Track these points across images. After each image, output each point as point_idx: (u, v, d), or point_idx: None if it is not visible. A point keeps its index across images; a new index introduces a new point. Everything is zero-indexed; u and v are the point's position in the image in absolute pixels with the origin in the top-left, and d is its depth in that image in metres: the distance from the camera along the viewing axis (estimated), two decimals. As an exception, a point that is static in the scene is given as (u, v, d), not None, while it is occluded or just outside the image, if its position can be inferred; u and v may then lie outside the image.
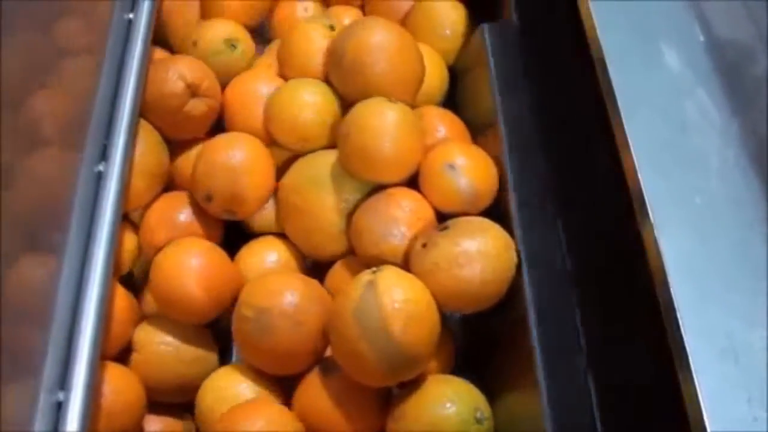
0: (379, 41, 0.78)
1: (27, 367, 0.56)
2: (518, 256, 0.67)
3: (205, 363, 0.77)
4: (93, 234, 0.65)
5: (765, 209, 0.55)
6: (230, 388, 0.71)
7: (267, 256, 0.81)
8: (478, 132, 0.82)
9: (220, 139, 0.82)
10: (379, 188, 0.76)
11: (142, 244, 0.81)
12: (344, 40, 0.80)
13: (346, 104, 0.80)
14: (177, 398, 0.77)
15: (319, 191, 0.78)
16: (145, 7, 0.81)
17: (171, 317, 0.76)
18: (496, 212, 0.72)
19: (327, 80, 0.84)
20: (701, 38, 0.66)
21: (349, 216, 0.77)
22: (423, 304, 0.65)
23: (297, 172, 0.81)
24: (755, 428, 0.46)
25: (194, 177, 0.80)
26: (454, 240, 0.68)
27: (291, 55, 0.87)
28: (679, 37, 0.66)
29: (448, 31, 0.92)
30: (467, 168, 0.73)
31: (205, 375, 0.74)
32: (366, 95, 0.77)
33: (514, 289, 0.67)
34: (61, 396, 0.57)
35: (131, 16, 0.80)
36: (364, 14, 0.98)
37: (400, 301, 0.63)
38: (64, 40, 0.69)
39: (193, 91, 0.82)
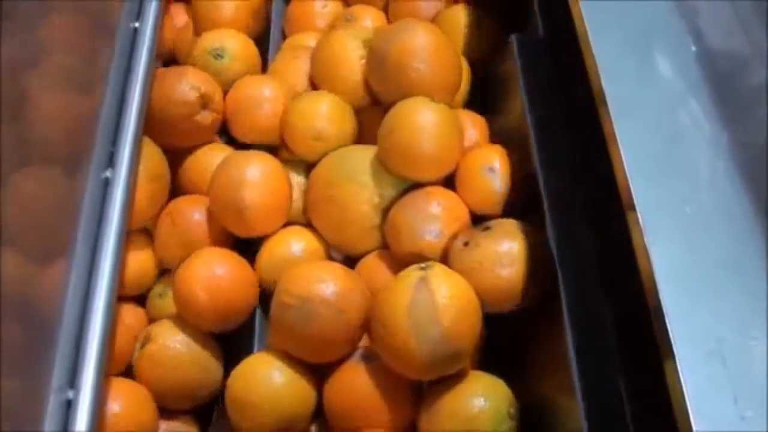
0: (422, 43, 0.79)
1: (37, 365, 0.57)
2: (553, 256, 0.68)
3: (215, 372, 0.78)
4: (101, 238, 0.67)
5: (754, 219, 0.55)
6: (263, 372, 0.71)
7: (293, 245, 0.81)
8: (504, 135, 0.83)
9: (229, 176, 0.80)
10: (414, 186, 0.77)
11: (156, 246, 0.83)
12: (387, 42, 0.80)
13: (385, 106, 0.80)
14: (180, 399, 0.77)
15: (354, 184, 0.78)
16: (150, 16, 0.82)
17: (188, 322, 0.77)
18: (528, 213, 0.73)
19: (366, 83, 0.84)
20: (693, 48, 0.66)
21: (383, 212, 0.77)
22: (466, 300, 0.66)
23: (331, 165, 0.81)
24: (743, 428, 0.46)
25: (209, 208, 0.81)
26: (497, 240, 0.69)
27: (328, 67, 0.88)
28: (671, 47, 0.67)
29: (472, 38, 0.92)
30: (503, 171, 0.75)
31: (211, 384, 0.76)
32: (408, 96, 0.77)
33: (546, 289, 0.68)
34: (70, 394, 0.57)
35: (137, 24, 0.81)
36: (387, 15, 0.99)
37: (448, 297, 0.65)
38: (70, 47, 0.70)
39: (206, 102, 0.84)
